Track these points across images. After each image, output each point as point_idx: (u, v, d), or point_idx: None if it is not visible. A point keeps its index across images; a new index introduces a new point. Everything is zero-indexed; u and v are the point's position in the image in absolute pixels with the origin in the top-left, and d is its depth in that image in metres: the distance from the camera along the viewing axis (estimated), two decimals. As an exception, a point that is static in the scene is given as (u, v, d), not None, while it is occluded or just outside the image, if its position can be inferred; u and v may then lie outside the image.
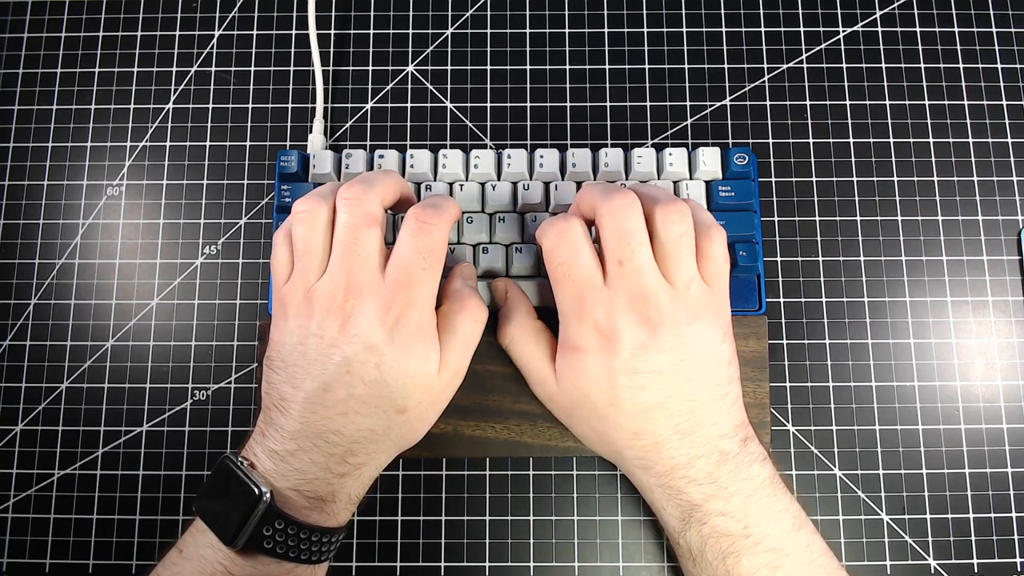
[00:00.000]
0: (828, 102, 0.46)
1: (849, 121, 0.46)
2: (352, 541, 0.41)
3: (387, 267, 0.33)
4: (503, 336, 0.38)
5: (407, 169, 0.42)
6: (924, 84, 0.46)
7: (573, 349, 0.34)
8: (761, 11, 0.47)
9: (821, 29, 0.47)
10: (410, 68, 0.47)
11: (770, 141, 0.45)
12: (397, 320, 0.33)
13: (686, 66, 0.47)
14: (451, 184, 0.42)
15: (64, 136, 0.46)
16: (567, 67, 0.47)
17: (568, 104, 0.46)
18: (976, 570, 0.40)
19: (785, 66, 0.47)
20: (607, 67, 0.47)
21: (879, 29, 0.47)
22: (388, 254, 0.34)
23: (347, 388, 0.32)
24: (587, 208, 0.35)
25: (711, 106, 0.46)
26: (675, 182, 0.42)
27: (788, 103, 0.46)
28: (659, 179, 0.42)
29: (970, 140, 0.45)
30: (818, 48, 0.47)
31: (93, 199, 0.46)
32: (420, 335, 0.33)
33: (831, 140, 0.45)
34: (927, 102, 0.46)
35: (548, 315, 0.38)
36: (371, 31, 0.48)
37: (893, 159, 0.45)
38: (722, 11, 0.47)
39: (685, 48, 0.47)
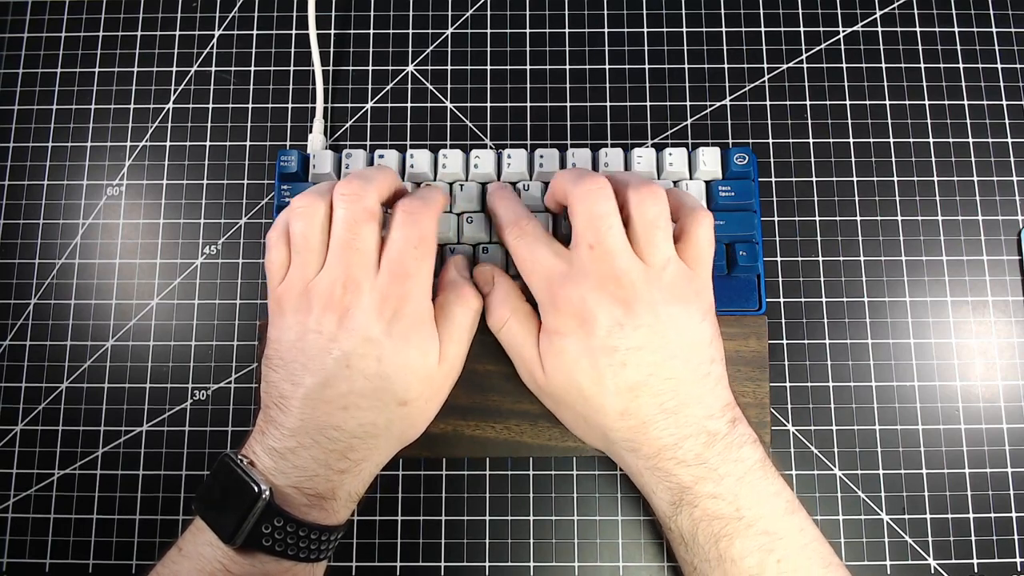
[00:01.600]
0: (828, 102, 0.46)
1: (849, 121, 0.46)
2: (352, 541, 0.41)
3: (381, 261, 0.33)
4: (495, 320, 0.37)
5: (407, 169, 0.42)
6: (924, 84, 0.46)
7: (552, 334, 0.34)
8: (761, 11, 0.47)
9: (821, 29, 0.47)
10: (410, 68, 0.47)
11: (770, 141, 0.45)
12: (395, 312, 0.33)
13: (686, 66, 0.47)
14: (451, 184, 0.42)
15: (64, 136, 0.46)
16: (567, 67, 0.47)
17: (568, 104, 0.46)
18: (976, 570, 0.40)
19: (785, 66, 0.47)
20: (607, 67, 0.47)
21: (879, 29, 0.47)
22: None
23: (347, 382, 0.32)
24: (560, 194, 0.36)
25: (711, 106, 0.46)
26: (675, 182, 0.42)
27: (788, 103, 0.46)
28: (659, 179, 0.42)
29: (970, 140, 0.45)
30: (818, 48, 0.47)
31: (93, 199, 0.46)
32: (419, 326, 0.33)
33: (831, 140, 0.45)
34: (927, 102, 0.46)
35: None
36: (371, 31, 0.48)
37: (893, 159, 0.45)
38: (722, 11, 0.47)
39: (685, 48, 0.47)
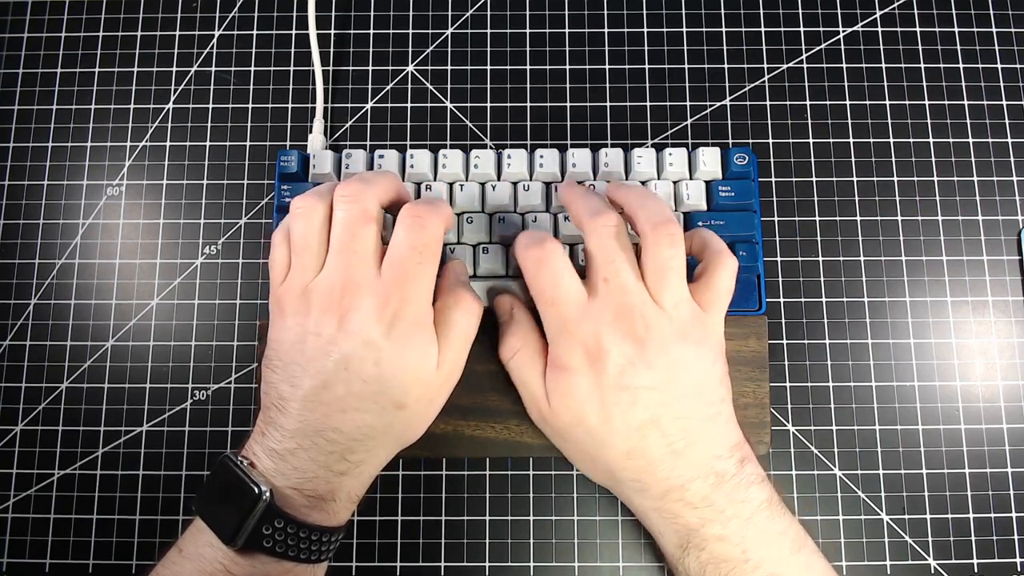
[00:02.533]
0: (828, 102, 0.46)
1: (849, 121, 0.46)
2: (352, 541, 0.41)
3: (383, 264, 0.33)
4: (505, 351, 0.38)
5: (407, 169, 0.42)
6: (924, 84, 0.46)
7: (561, 369, 0.34)
8: (761, 11, 0.47)
9: (821, 29, 0.47)
10: (410, 68, 0.47)
11: (770, 141, 0.45)
12: (394, 316, 0.33)
13: (686, 66, 0.47)
14: (451, 184, 0.42)
15: (64, 136, 0.46)
16: (567, 67, 0.47)
17: (568, 104, 0.46)
18: (976, 570, 0.40)
19: (785, 66, 0.47)
20: (607, 67, 0.47)
21: (879, 29, 0.47)
22: (383, 252, 0.34)
23: (345, 385, 0.32)
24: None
25: (711, 106, 0.46)
26: (675, 182, 0.42)
27: (788, 103, 0.46)
28: (659, 179, 0.42)
29: (970, 140, 0.45)
30: (818, 48, 0.47)
31: (93, 199, 0.46)
32: (417, 330, 0.33)
33: (831, 140, 0.45)
34: (927, 102, 0.46)
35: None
36: (371, 31, 0.48)
37: (893, 159, 0.45)
38: (722, 11, 0.47)
39: (685, 48, 0.47)
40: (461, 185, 0.42)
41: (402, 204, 0.37)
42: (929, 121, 0.46)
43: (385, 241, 0.35)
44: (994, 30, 0.47)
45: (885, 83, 0.46)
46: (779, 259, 0.44)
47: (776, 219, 0.44)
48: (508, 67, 0.47)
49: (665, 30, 0.47)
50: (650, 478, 0.33)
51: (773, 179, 0.45)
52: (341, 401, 0.32)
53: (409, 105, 0.47)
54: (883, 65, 0.46)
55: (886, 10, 0.47)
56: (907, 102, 0.46)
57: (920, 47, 0.47)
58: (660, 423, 0.33)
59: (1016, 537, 0.41)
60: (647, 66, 0.47)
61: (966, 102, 0.46)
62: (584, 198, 0.36)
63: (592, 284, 0.34)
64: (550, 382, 0.35)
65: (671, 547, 0.34)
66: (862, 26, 0.47)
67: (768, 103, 0.46)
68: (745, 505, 0.33)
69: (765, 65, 0.47)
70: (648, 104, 0.46)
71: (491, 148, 0.45)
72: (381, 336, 0.32)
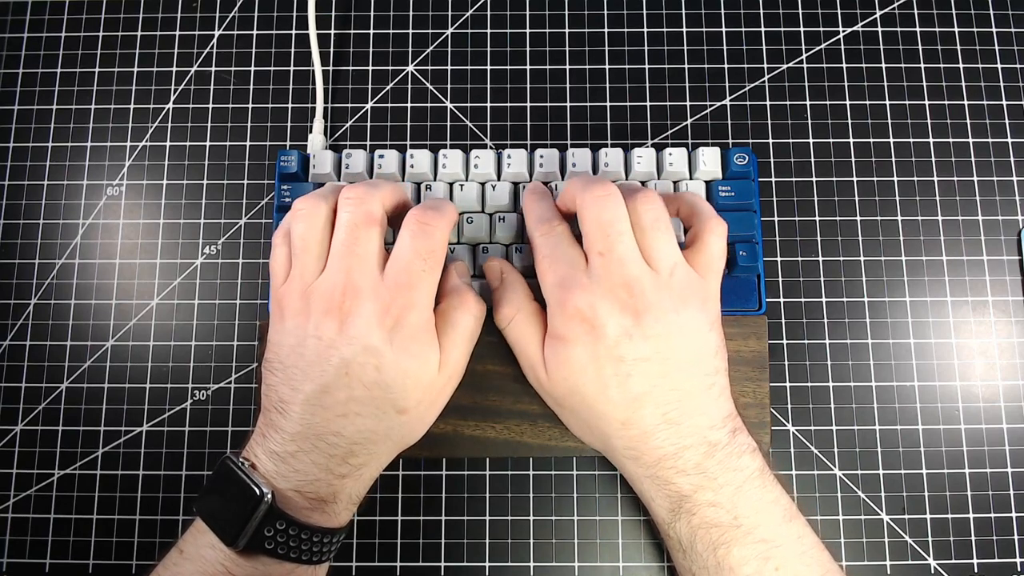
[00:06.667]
0: (828, 102, 0.46)
1: (849, 121, 0.46)
2: (352, 541, 0.41)
3: (386, 268, 0.33)
4: (501, 317, 0.37)
5: (407, 169, 0.42)
6: (924, 84, 0.46)
7: (559, 339, 0.34)
8: (761, 11, 0.47)
9: (821, 29, 0.47)
10: (410, 68, 0.47)
11: (770, 141, 0.45)
12: (396, 321, 0.32)
13: (686, 66, 0.47)
14: (451, 184, 0.42)
15: (64, 136, 0.46)
16: (567, 67, 0.47)
17: (568, 104, 0.46)
18: (976, 570, 0.40)
19: (785, 66, 0.47)
20: (607, 67, 0.47)
21: (879, 29, 0.47)
22: (386, 256, 0.34)
23: (346, 390, 0.32)
24: (569, 201, 0.36)
25: (711, 106, 0.46)
26: (675, 182, 0.42)
27: (788, 103, 0.46)
28: (659, 179, 0.42)
29: (970, 140, 0.45)
30: (818, 48, 0.47)
31: (93, 199, 0.46)
32: (420, 335, 0.33)
33: (831, 140, 0.45)
34: (927, 102, 0.46)
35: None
36: (371, 31, 0.48)
37: (893, 159, 0.45)
38: (722, 11, 0.47)
39: (685, 48, 0.47)
40: (461, 185, 0.42)
41: (404, 211, 0.37)
42: (929, 121, 0.46)
43: (388, 244, 0.35)
44: (994, 30, 0.47)
45: (885, 83, 0.46)
46: (779, 259, 0.44)
47: (776, 219, 0.44)
48: (508, 67, 0.47)
49: (665, 30, 0.47)
50: (644, 447, 0.33)
51: (773, 179, 0.45)
52: (342, 406, 0.32)
53: (409, 105, 0.47)
54: (883, 65, 0.46)
55: (886, 10, 0.47)
56: (907, 102, 0.46)
57: (920, 47, 0.47)
58: (655, 395, 0.33)
59: (1016, 537, 0.41)
60: (647, 66, 0.47)
61: (966, 102, 0.46)
62: (578, 179, 0.36)
63: (590, 257, 0.34)
64: (548, 351, 0.35)
65: (662, 512, 0.34)
66: (862, 26, 0.47)
67: (768, 103, 0.46)
68: (737, 473, 0.33)
69: (765, 65, 0.47)
70: (648, 104, 0.46)
71: (491, 148, 0.45)
72: (382, 341, 0.32)
